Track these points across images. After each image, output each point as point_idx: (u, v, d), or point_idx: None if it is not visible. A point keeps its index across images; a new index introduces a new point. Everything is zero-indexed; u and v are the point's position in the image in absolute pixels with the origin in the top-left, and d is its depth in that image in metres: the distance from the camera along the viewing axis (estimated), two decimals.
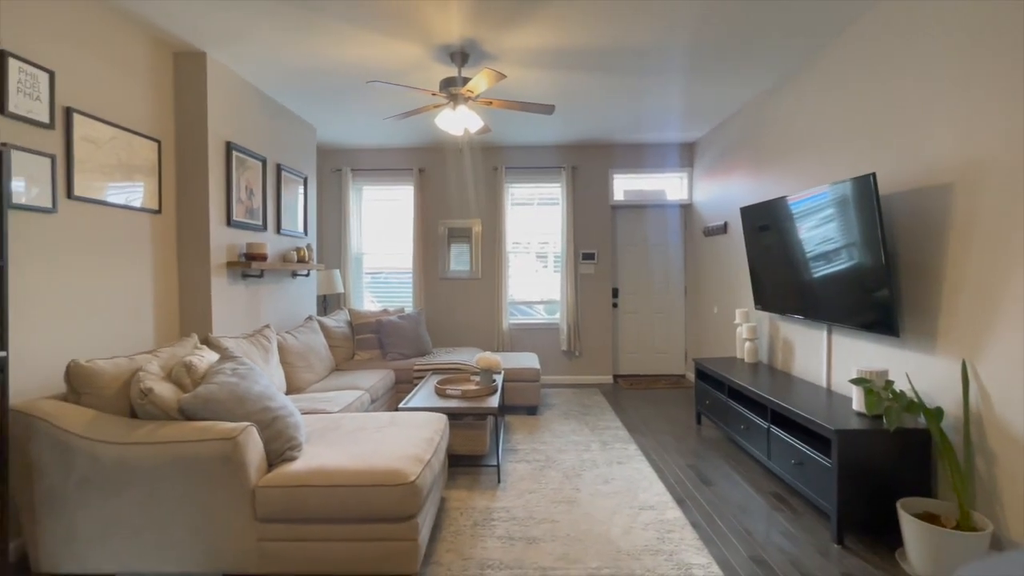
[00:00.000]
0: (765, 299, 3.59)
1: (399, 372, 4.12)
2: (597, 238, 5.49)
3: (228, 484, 1.78)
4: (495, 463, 3.09)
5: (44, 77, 2.22)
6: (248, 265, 3.34)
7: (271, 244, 3.85)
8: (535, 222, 5.58)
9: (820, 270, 2.88)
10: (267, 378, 2.22)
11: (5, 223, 1.73)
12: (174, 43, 2.95)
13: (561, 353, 5.51)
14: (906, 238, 2.43)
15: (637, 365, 5.67)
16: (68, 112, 2.35)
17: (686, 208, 5.59)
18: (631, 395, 4.90)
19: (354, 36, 2.88)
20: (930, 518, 2.03)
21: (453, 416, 3.02)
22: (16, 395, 2.09)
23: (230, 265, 3.29)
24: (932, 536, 1.89)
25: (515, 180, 5.48)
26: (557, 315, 5.57)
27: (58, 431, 1.77)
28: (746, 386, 3.07)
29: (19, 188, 2.11)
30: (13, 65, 2.09)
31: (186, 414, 1.89)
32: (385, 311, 4.66)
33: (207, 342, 2.78)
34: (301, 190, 4.37)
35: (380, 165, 5.51)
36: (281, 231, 4.00)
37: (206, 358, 2.24)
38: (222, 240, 3.24)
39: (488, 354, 3.31)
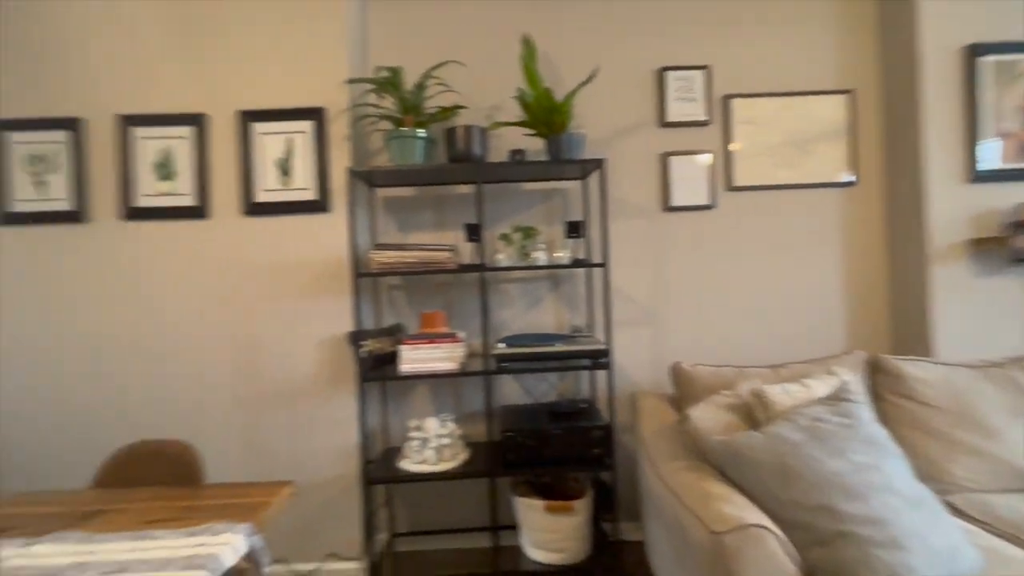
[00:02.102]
0: None
1: None
2: None
3: None
4: None
5: (698, 76, 2.24)
6: (1010, 242, 1.94)
7: None
8: None
9: None
10: (887, 454, 1.21)
11: (608, 229, 1.89)
12: None
13: None
14: None
15: None
16: (725, 101, 2.24)
17: None
18: None
19: None
20: None
21: None
22: (660, 387, 2.23)
23: (977, 244, 2.04)
24: None
25: None
26: None
27: (637, 428, 1.74)
28: None
29: (676, 193, 2.24)
30: (670, 77, 2.24)
31: (713, 463, 1.36)
32: None
33: (876, 365, 1.86)
34: None
35: None
36: None
37: (812, 389, 1.51)
38: (956, 206, 2.06)
39: None
